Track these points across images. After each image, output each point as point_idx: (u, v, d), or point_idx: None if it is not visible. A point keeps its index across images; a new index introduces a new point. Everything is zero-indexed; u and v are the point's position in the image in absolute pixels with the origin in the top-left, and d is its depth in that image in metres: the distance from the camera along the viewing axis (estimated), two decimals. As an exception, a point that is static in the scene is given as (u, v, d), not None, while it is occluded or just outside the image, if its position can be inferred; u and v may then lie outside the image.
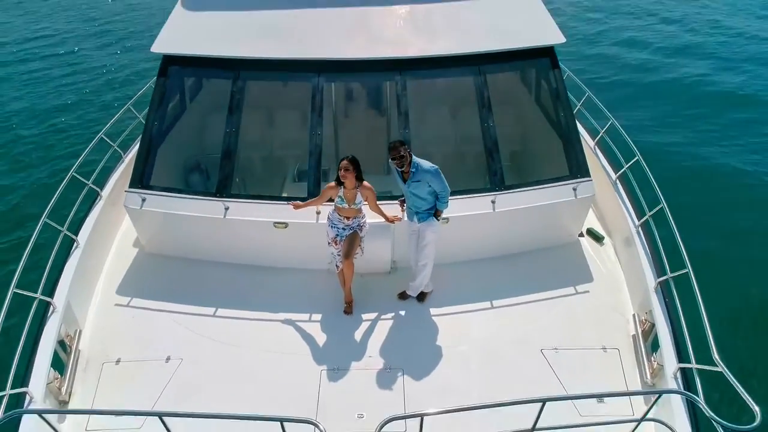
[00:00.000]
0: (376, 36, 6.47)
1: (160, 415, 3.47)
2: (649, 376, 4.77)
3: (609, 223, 6.85)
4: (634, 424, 3.90)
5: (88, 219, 6.30)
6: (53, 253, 5.50)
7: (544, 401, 3.47)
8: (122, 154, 7.44)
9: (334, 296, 5.74)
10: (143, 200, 6.03)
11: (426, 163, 5.14)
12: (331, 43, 6.38)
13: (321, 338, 5.35)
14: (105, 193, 6.75)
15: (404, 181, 5.26)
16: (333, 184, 5.22)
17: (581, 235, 6.72)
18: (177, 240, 6.25)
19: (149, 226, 6.24)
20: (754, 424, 3.30)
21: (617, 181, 6.84)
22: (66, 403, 4.73)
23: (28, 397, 4.33)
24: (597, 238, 6.69)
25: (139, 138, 6.65)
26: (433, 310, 5.68)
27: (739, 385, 3.65)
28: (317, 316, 5.60)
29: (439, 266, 5.69)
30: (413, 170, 5.13)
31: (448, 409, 3.55)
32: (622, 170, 6.69)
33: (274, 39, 6.42)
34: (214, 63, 6.50)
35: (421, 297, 5.80)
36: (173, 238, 6.25)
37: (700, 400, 3.67)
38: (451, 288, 5.88)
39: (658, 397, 3.79)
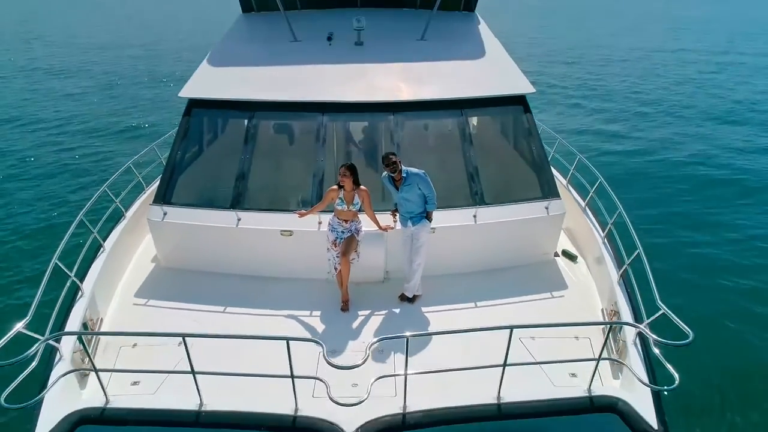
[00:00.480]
0: (372, 84, 7.59)
1: (183, 336, 4.03)
2: (615, 352, 5.30)
3: (581, 245, 7.59)
4: (594, 363, 4.43)
5: (113, 231, 7.03)
6: (82, 252, 6.18)
7: (511, 328, 4.06)
8: (145, 186, 8.31)
9: (332, 297, 6.34)
10: (165, 214, 6.80)
11: (414, 169, 6.01)
12: (334, 90, 7.49)
13: (320, 328, 5.90)
14: (129, 213, 7.54)
15: (396, 188, 6.09)
16: (334, 187, 6.04)
17: (556, 254, 7.43)
18: (192, 252, 6.93)
19: (168, 239, 6.95)
20: (687, 340, 3.94)
21: (586, 208, 7.69)
22: (86, 375, 5.19)
23: (58, 355, 4.83)
24: (571, 257, 7.40)
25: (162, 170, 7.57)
26: (423, 308, 6.27)
27: (675, 316, 4.29)
28: (317, 313, 6.17)
29: (428, 277, 6.35)
30: (404, 176, 5.97)
31: (429, 332, 4.13)
32: (589, 196, 7.57)
33: (285, 86, 7.54)
34: (230, 105, 7.57)
35: (413, 299, 6.40)
36: (189, 250, 6.93)
37: (644, 328, 4.28)
38: (439, 293, 6.49)
39: (609, 330, 4.39)
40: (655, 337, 4.12)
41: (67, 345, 5.00)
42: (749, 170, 15.53)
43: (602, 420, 4.47)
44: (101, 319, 5.88)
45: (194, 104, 7.64)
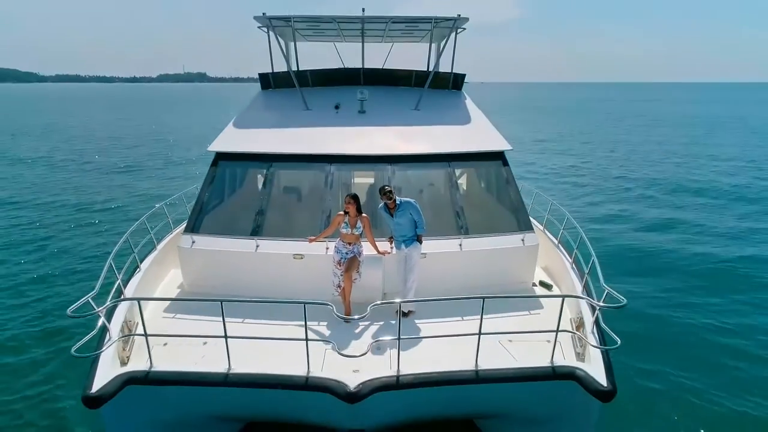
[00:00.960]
0: (372, 142, 9.05)
1: (222, 301, 5.03)
2: (579, 347, 6.21)
3: (556, 276, 8.64)
4: (554, 334, 5.37)
5: (146, 258, 8.13)
6: (126, 264, 7.27)
7: (483, 298, 5.08)
8: (172, 226, 9.51)
9: (338, 311, 7.29)
10: (193, 242, 7.93)
11: (406, 198, 7.24)
12: (340, 145, 8.92)
13: (326, 333, 6.82)
14: (159, 246, 8.68)
15: (391, 215, 7.28)
16: (341, 213, 7.23)
17: (534, 284, 8.46)
18: (215, 277, 7.95)
19: (195, 264, 8.01)
20: (623, 302, 4.99)
21: (559, 245, 8.83)
22: (125, 363, 6.06)
23: (108, 335, 5.78)
24: (546, 286, 8.42)
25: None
26: (416, 320, 7.21)
27: (617, 293, 5.35)
28: (324, 323, 7.10)
29: (420, 296, 7.33)
30: (398, 204, 7.19)
31: (418, 299, 5.13)
32: (560, 233, 8.75)
33: (298, 142, 8.99)
34: (251, 157, 8.99)
35: (407, 314, 7.35)
36: (212, 275, 7.96)
37: (593, 300, 5.30)
38: (430, 308, 7.45)
39: (563, 301, 5.41)
40: (598, 302, 5.14)
41: (116, 327, 5.97)
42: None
43: (564, 386, 5.34)
44: (136, 324, 6.82)
45: (220, 156, 9.05)
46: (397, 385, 5.17)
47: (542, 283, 8.51)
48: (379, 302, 5.46)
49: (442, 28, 10.50)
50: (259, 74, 11.73)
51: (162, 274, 8.62)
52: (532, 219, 9.00)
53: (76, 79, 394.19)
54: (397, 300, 5.89)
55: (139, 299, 5.65)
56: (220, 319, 5.31)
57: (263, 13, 9.99)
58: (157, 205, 9.33)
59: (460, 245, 7.83)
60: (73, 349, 4.89)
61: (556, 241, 8.98)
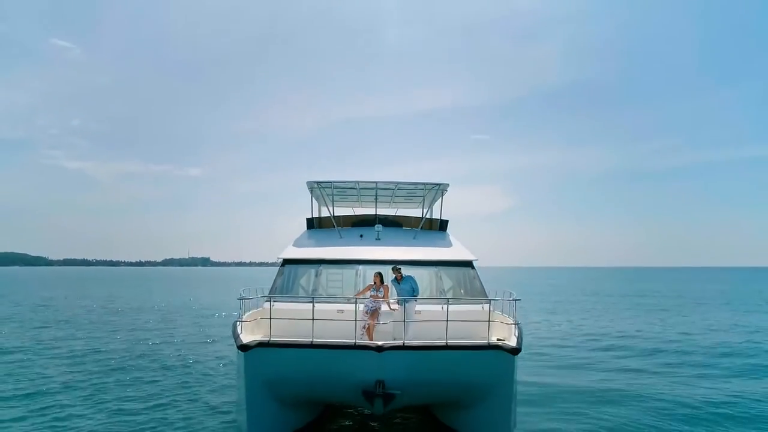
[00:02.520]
0: (385, 254, 14.31)
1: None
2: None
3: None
4: (486, 323, 10.01)
5: (243, 318, 12.81)
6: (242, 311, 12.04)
7: (448, 300, 9.90)
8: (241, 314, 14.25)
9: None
10: (272, 305, 12.69)
11: (408, 274, 12.28)
12: (364, 255, 14.20)
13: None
14: (244, 316, 13.38)
15: (399, 283, 12.21)
16: (371, 283, 12.17)
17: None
18: (284, 329, 12.51)
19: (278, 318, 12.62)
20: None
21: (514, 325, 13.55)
22: (260, 325, 10.49)
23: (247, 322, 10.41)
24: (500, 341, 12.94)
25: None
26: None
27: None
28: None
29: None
30: (403, 277, 12.20)
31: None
32: (514, 311, 13.53)
33: (336, 254, 14.28)
34: (305, 261, 14.19)
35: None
36: (282, 327, 12.54)
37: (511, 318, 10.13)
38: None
39: (490, 304, 10.16)
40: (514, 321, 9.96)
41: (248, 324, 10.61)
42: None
43: (497, 355, 9.87)
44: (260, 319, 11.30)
45: (287, 261, 14.26)
46: (402, 347, 9.70)
47: (499, 340, 13.03)
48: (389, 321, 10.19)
49: (432, 191, 16.47)
50: (307, 218, 17.45)
51: (246, 332, 13.19)
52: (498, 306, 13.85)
53: (83, 263, 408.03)
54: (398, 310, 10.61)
55: (270, 296, 10.43)
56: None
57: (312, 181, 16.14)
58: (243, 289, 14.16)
59: (442, 307, 12.59)
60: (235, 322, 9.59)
61: (512, 322, 13.71)
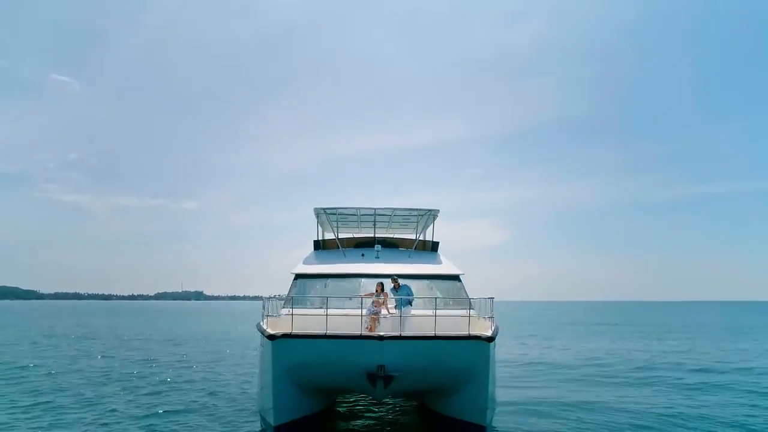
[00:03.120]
0: (384, 268, 16.83)
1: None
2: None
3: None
4: (467, 321, 12.48)
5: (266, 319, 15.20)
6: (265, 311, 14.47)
7: (435, 299, 12.40)
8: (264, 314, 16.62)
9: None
10: (291, 311, 15.08)
11: (404, 283, 14.77)
12: (366, 269, 16.70)
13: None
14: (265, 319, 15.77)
15: (396, 291, 14.68)
16: (372, 291, 14.63)
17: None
18: (303, 329, 14.84)
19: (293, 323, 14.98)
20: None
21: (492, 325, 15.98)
22: (286, 321, 12.89)
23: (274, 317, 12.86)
24: None
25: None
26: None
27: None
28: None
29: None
30: (400, 285, 14.69)
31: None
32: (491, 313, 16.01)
33: (341, 268, 16.77)
34: (314, 276, 16.66)
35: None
36: (301, 327, 14.84)
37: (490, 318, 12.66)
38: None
39: (470, 307, 12.64)
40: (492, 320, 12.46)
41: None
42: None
43: (476, 343, 12.32)
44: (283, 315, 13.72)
45: (298, 276, 16.76)
46: (400, 337, 12.13)
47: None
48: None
49: (425, 216, 19.09)
50: (314, 241, 19.98)
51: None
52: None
53: (75, 296, 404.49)
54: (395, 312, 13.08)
55: (291, 299, 12.90)
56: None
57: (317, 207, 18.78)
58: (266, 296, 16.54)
59: (433, 312, 15.03)
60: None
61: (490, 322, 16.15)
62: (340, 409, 16.96)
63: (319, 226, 20.36)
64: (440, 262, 18.36)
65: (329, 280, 16.68)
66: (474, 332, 13.10)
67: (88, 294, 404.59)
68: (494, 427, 14.25)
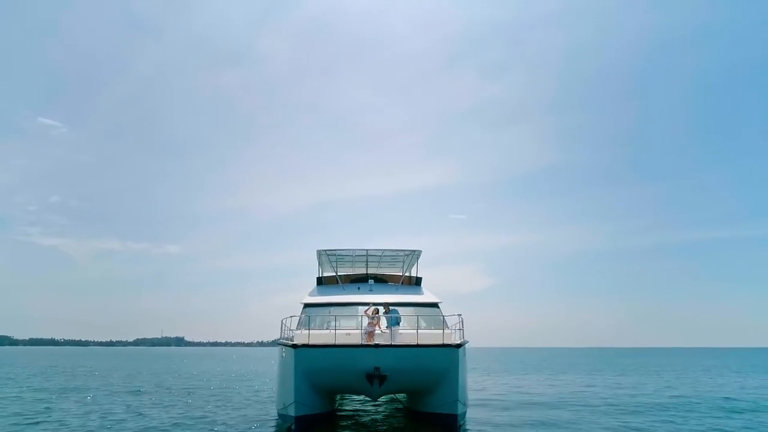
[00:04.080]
0: (376, 298, 21.12)
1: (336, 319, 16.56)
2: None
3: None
4: (441, 335, 16.78)
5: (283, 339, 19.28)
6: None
7: (418, 316, 16.76)
8: (282, 333, 20.69)
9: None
10: (309, 330, 19.20)
11: (393, 308, 19.09)
12: (361, 299, 21.01)
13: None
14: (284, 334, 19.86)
15: (387, 313, 18.95)
16: (369, 312, 18.90)
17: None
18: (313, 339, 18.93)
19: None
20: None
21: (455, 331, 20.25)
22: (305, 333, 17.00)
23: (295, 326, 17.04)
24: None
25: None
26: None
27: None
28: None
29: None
30: (390, 309, 18.99)
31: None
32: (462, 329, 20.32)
33: (341, 298, 21.07)
34: (320, 305, 20.93)
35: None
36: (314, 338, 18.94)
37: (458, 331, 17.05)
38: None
39: (446, 328, 17.00)
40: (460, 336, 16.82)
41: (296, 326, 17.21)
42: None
43: (448, 350, 16.60)
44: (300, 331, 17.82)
45: (307, 305, 20.98)
46: (391, 345, 16.36)
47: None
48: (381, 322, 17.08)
49: (409, 255, 23.57)
50: (317, 278, 24.29)
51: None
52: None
53: (51, 342, 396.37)
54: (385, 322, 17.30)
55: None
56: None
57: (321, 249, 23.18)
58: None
59: (416, 331, 19.27)
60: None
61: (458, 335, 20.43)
62: (341, 413, 20.86)
63: (320, 265, 24.70)
64: (422, 293, 22.71)
65: (332, 308, 20.88)
66: (446, 342, 17.37)
67: (64, 340, 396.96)
68: (465, 420, 18.30)
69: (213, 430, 17.84)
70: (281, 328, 19.25)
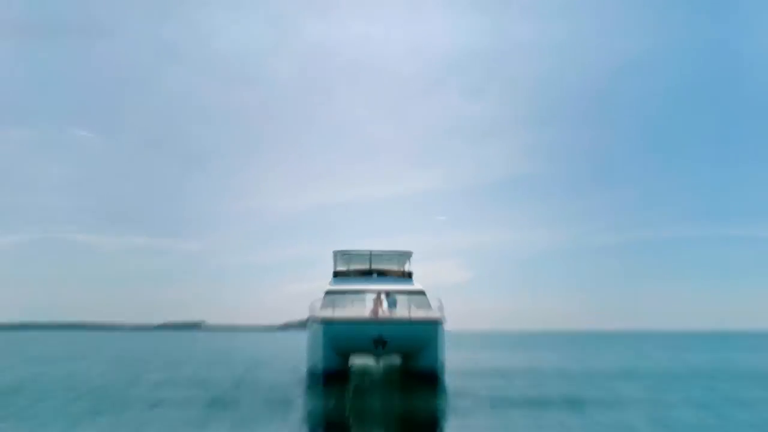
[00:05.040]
0: (380, 286, 25.45)
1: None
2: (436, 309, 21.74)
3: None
4: (426, 312, 21.17)
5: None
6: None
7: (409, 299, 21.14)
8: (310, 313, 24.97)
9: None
10: (333, 309, 23.48)
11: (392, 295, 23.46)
12: (368, 287, 25.35)
13: None
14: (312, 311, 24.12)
15: (387, 297, 23.28)
16: (375, 297, 23.24)
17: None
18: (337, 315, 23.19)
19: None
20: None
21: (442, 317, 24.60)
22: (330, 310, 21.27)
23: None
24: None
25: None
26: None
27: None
28: None
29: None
30: (390, 296, 23.32)
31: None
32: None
33: (355, 287, 25.42)
34: (340, 291, 25.25)
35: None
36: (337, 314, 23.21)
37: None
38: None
39: (430, 309, 21.35)
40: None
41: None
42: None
43: (431, 322, 21.00)
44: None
45: (328, 292, 25.29)
46: (390, 320, 20.72)
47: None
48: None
49: (403, 255, 27.94)
50: (333, 271, 28.60)
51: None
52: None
53: (80, 326, 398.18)
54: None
55: (330, 291, 21.54)
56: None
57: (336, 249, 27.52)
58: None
59: (408, 311, 23.56)
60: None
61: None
62: (354, 370, 25.21)
63: (335, 262, 28.99)
64: (413, 284, 27.04)
65: (347, 294, 25.13)
66: (430, 317, 21.73)
67: (94, 324, 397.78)
68: (444, 374, 22.60)
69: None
70: (310, 309, 23.60)
